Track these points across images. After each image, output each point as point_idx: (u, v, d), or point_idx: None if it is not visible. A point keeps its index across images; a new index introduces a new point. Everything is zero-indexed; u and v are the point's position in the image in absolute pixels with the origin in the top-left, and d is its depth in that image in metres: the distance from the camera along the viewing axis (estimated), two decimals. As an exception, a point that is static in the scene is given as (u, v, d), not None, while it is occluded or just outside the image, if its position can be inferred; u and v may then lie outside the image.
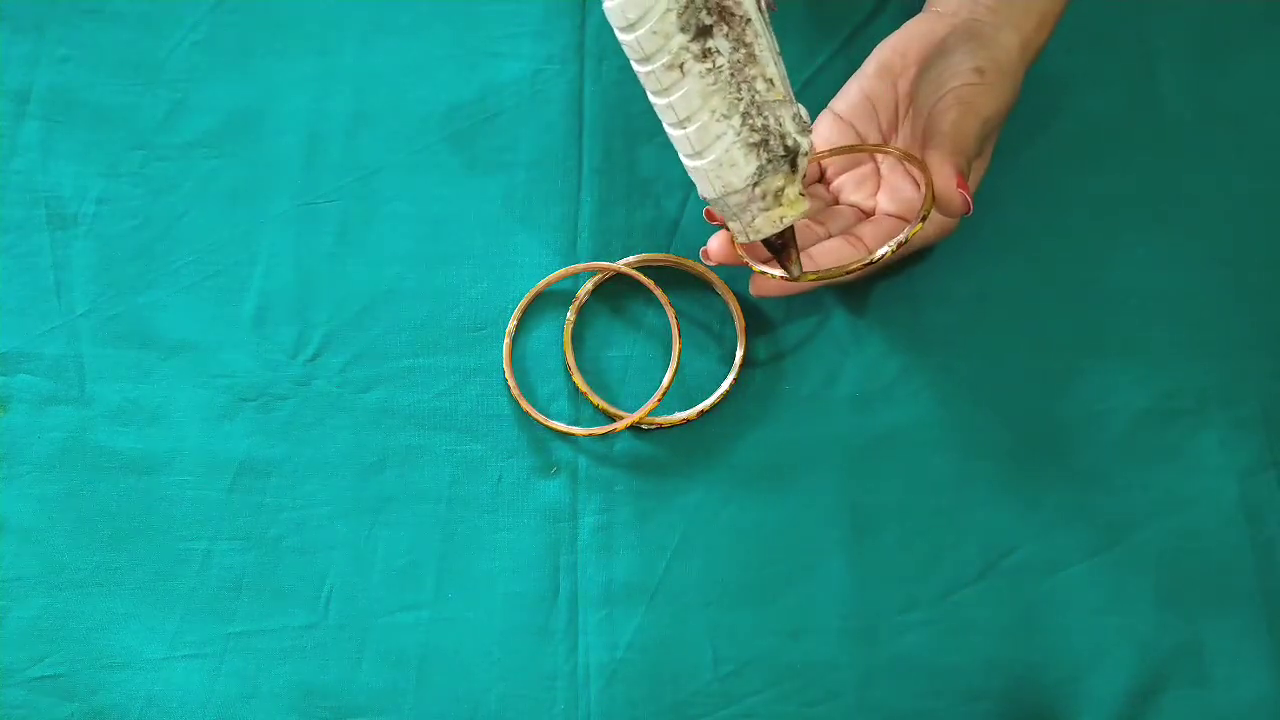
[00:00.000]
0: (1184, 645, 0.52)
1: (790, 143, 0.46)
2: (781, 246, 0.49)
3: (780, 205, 0.47)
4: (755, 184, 0.46)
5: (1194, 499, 0.54)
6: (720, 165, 0.46)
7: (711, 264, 0.53)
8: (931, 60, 0.53)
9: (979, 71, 0.51)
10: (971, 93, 0.51)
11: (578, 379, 0.55)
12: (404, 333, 0.57)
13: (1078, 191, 0.59)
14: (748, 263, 0.51)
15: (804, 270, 0.50)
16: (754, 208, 0.47)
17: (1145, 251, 0.58)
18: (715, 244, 0.52)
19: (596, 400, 0.55)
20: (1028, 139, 0.60)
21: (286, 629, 0.52)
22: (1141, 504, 0.54)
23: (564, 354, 0.56)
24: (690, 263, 0.57)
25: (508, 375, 0.56)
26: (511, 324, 0.56)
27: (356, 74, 0.61)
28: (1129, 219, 0.59)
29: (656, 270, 0.58)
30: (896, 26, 0.56)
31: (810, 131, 0.47)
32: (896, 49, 0.55)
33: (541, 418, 0.55)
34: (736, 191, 0.46)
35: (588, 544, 0.54)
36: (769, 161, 0.46)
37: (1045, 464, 0.55)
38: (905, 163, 0.54)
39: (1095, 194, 0.59)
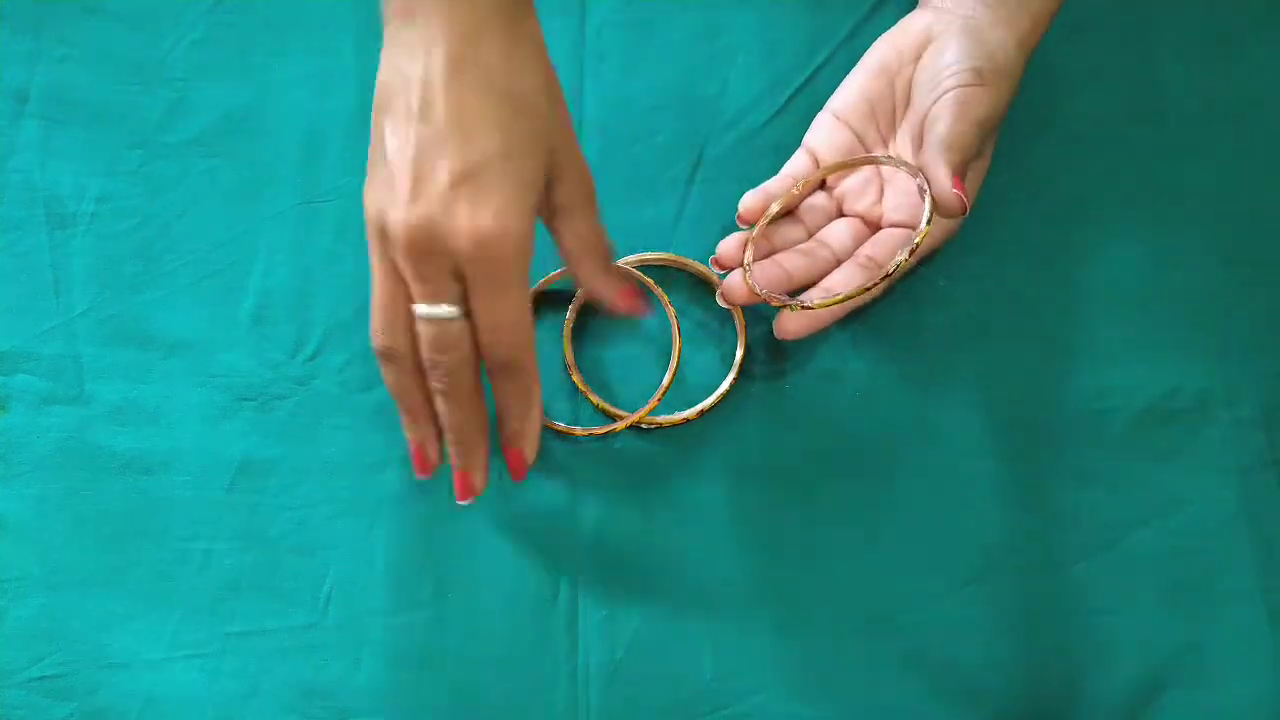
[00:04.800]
0: (1184, 645, 0.52)
1: None
2: None
3: None
4: None
5: (1194, 499, 0.54)
6: None
7: (728, 305, 0.53)
8: (928, 59, 0.53)
9: (976, 72, 0.51)
10: (969, 94, 0.51)
11: (577, 379, 0.55)
12: (404, 332, 0.57)
13: (1078, 191, 0.59)
14: (767, 300, 0.51)
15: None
16: None
17: (1146, 251, 0.58)
18: (732, 283, 0.53)
19: (596, 400, 0.55)
20: (1028, 139, 0.60)
21: (286, 629, 0.52)
22: (1141, 504, 0.54)
23: (564, 354, 0.56)
24: (690, 263, 0.57)
25: (507, 375, 0.56)
26: (511, 324, 0.56)
27: (356, 74, 0.61)
28: (1130, 218, 0.59)
29: (656, 270, 0.58)
30: (895, 24, 0.56)
31: None
32: (893, 46, 0.55)
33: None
34: None
35: (588, 544, 0.54)
36: None
37: (1045, 464, 0.55)
38: (902, 171, 0.54)
39: (1095, 194, 0.59)
